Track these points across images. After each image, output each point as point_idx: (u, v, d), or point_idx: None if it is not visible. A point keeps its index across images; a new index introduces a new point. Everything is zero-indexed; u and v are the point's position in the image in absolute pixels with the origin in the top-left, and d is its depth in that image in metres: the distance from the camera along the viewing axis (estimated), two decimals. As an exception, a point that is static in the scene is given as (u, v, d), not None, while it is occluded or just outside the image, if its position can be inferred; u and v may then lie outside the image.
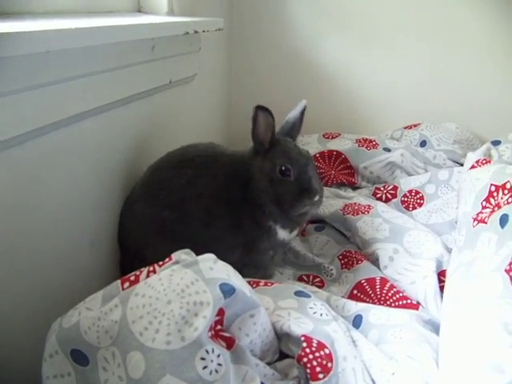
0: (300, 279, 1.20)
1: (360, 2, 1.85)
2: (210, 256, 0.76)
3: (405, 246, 1.19)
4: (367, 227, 1.27)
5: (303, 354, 0.76)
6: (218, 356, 0.66)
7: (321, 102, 1.93)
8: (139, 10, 1.37)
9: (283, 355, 0.83)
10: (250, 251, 1.10)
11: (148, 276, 0.73)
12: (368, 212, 1.32)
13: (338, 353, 0.79)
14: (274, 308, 0.87)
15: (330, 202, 1.42)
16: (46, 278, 0.89)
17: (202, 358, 0.64)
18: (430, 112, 1.89)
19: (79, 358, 0.69)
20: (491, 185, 1.07)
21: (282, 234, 1.11)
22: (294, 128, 1.16)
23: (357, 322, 0.96)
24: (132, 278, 0.74)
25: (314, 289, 1.08)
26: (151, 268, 0.74)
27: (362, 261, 1.19)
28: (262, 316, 0.77)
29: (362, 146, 1.65)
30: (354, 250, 1.25)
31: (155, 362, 0.63)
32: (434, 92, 1.89)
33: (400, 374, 0.80)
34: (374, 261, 1.21)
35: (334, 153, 1.65)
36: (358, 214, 1.32)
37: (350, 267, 1.19)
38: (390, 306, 1.04)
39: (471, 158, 1.27)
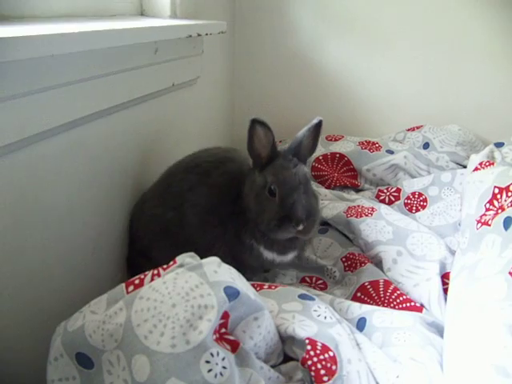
0: (303, 281, 1.20)
1: (363, 6, 1.86)
2: (215, 259, 0.76)
3: (408, 249, 1.19)
4: (370, 229, 1.27)
5: (308, 356, 0.77)
6: (223, 359, 0.66)
7: (324, 105, 1.93)
8: (142, 13, 1.38)
9: (287, 358, 0.83)
10: (239, 265, 1.03)
11: (152, 279, 0.73)
12: (371, 214, 1.32)
13: (342, 355, 0.79)
14: (278, 311, 0.87)
15: (334, 204, 1.42)
16: (49, 281, 0.89)
17: (207, 361, 0.64)
18: (432, 114, 1.89)
19: (84, 361, 0.69)
20: (495, 187, 1.07)
21: (269, 255, 1.05)
22: (302, 146, 1.05)
23: (360, 324, 0.96)
24: (136, 282, 0.74)
25: (318, 292, 1.08)
26: (156, 271, 0.75)
27: (365, 263, 1.19)
28: (266, 319, 0.77)
29: (365, 148, 1.66)
30: (358, 252, 1.25)
31: (160, 366, 0.63)
32: (436, 94, 1.89)
33: (404, 377, 0.80)
34: (378, 263, 1.20)
35: (337, 155, 1.65)
36: (361, 216, 1.32)
37: (354, 269, 1.19)
38: (393, 308, 1.04)
39: (474, 160, 1.27)
